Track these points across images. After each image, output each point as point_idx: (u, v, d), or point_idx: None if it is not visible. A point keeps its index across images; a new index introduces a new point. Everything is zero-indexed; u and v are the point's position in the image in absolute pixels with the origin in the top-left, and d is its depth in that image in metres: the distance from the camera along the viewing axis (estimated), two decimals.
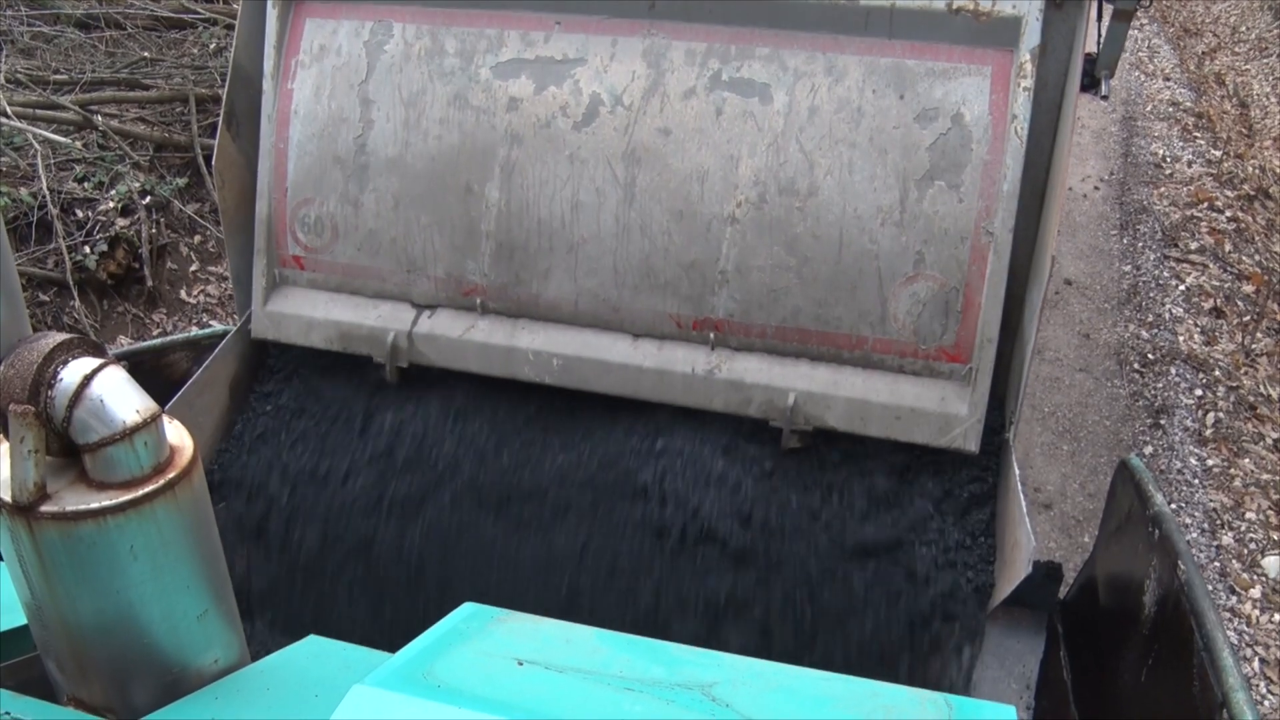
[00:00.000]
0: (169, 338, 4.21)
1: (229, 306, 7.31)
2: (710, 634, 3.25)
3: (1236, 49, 13.25)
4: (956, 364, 3.10)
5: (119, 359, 1.61)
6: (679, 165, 3.20)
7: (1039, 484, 5.92)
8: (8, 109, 7.13)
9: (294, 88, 3.54)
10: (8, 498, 1.50)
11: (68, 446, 1.56)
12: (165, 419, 1.63)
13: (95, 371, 1.53)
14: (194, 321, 7.26)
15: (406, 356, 3.51)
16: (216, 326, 6.09)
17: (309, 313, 3.61)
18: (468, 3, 3.38)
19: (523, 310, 3.44)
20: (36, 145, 7.05)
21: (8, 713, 1.58)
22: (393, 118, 3.43)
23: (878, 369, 3.17)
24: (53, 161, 7.18)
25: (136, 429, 1.54)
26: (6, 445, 1.52)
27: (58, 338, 1.55)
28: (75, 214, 7.02)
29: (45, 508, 1.51)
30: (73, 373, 1.52)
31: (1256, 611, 5.17)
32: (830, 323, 3.16)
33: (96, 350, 1.59)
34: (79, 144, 7.43)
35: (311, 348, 3.64)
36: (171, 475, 1.59)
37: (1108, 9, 3.78)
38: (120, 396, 1.55)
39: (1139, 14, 3.56)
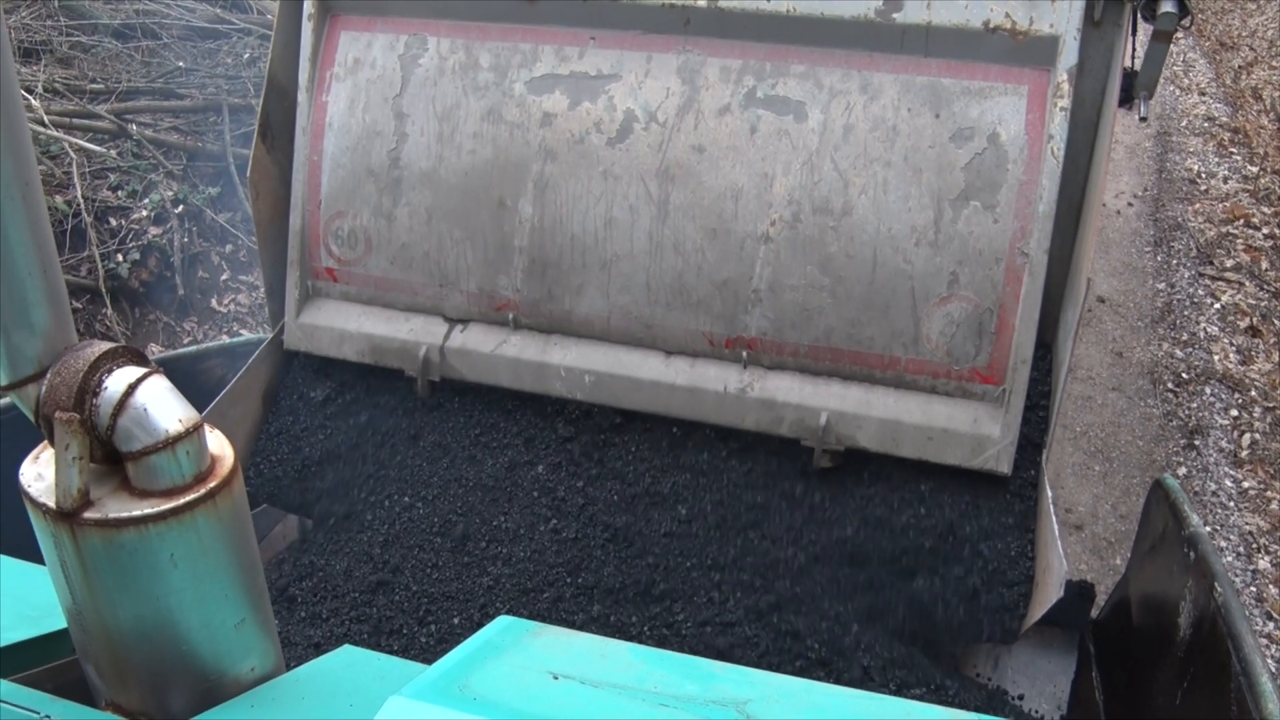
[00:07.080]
0: (205, 344, 4.24)
1: (260, 315, 7.37)
2: None
3: (1274, 63, 13.12)
4: (990, 385, 3.08)
5: (160, 366, 1.63)
6: (713, 183, 3.20)
7: (1070, 504, 5.86)
8: (45, 118, 7.24)
9: (328, 100, 3.56)
10: (52, 504, 1.51)
11: (111, 454, 1.57)
12: (206, 428, 1.64)
13: (139, 380, 1.55)
14: (224, 330, 7.32)
15: (438, 370, 3.53)
16: (248, 335, 6.14)
17: (341, 325, 3.63)
18: (502, 17, 3.38)
19: (555, 326, 3.44)
20: (72, 154, 7.15)
21: (47, 716, 1.59)
22: (426, 132, 3.44)
23: (910, 389, 3.16)
24: (88, 170, 7.27)
25: (179, 438, 1.55)
26: (51, 452, 1.54)
27: (103, 346, 1.56)
28: (109, 222, 7.11)
29: (88, 514, 1.52)
30: (117, 381, 1.53)
31: None
32: (863, 342, 3.15)
33: (140, 359, 1.60)
34: (113, 153, 7.53)
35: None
36: (212, 484, 1.60)
37: (1144, 26, 3.75)
38: (163, 405, 1.56)
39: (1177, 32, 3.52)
